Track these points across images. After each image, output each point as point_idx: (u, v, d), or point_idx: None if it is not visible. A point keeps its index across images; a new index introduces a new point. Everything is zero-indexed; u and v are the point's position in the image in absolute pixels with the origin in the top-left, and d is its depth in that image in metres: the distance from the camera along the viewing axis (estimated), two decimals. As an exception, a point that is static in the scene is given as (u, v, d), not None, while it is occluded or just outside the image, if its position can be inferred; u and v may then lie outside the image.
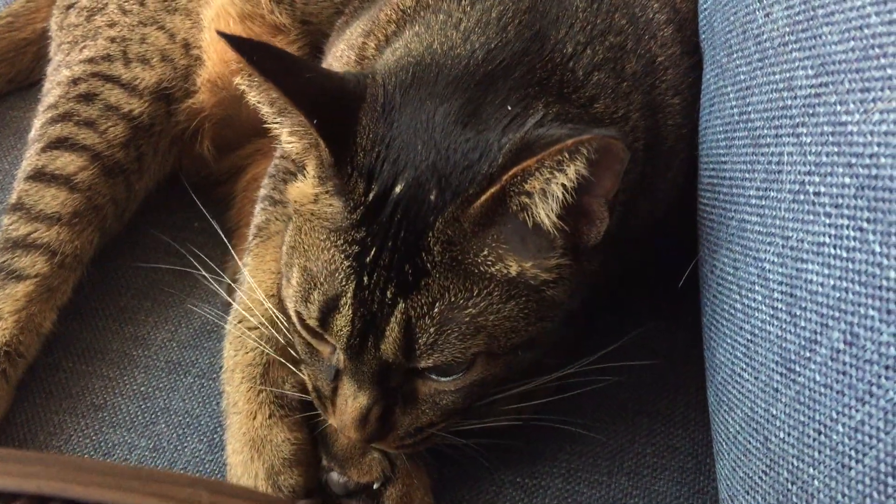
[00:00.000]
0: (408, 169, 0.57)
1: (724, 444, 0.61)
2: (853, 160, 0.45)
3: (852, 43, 0.46)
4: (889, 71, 0.43)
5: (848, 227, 0.46)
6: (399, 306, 0.56)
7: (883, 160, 0.43)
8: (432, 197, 0.56)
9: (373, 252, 0.56)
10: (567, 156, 0.52)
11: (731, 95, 0.60)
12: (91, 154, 0.84)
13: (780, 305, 0.52)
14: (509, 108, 0.58)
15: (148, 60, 0.88)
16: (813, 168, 0.49)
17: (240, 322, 0.75)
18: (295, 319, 0.62)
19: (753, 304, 0.55)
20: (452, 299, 0.56)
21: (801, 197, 0.50)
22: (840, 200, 0.46)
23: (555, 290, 0.60)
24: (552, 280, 0.59)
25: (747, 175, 0.57)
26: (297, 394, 0.70)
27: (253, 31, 0.89)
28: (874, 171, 0.44)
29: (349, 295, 0.57)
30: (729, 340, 0.60)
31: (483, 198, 0.54)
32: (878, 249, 0.43)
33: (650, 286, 0.89)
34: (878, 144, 0.43)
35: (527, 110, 0.58)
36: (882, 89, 0.43)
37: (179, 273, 0.93)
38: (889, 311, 0.43)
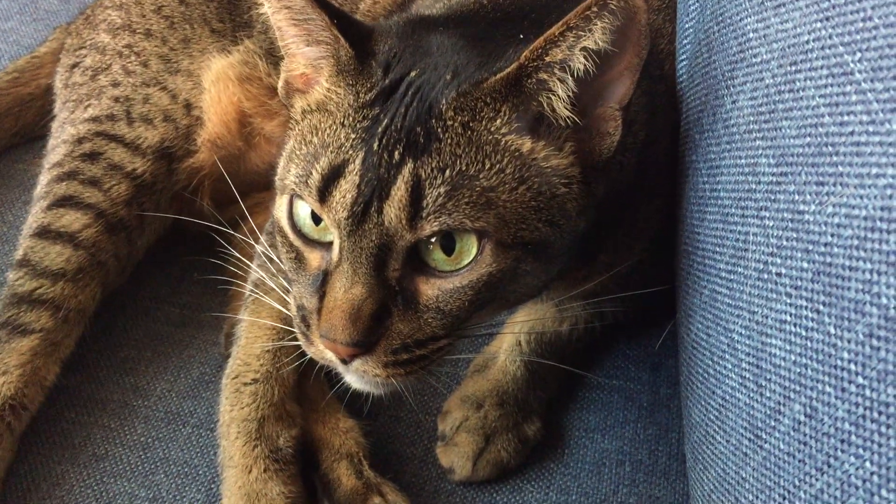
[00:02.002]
0: (424, 62, 0.60)
1: (699, 500, 0.64)
2: (810, 247, 0.49)
3: (808, 139, 0.49)
4: (840, 168, 0.47)
5: (806, 308, 0.49)
6: (408, 166, 0.56)
7: (836, 250, 0.47)
8: (448, 77, 0.59)
9: (384, 122, 0.57)
10: (595, 11, 0.53)
11: (703, 171, 0.64)
12: (95, 212, 0.87)
13: (747, 375, 0.55)
14: (521, 36, 0.61)
15: (151, 120, 0.92)
16: (775, 250, 0.52)
17: (236, 377, 0.78)
18: (287, 228, 0.62)
19: (724, 371, 0.59)
20: (464, 168, 0.56)
21: (765, 276, 0.53)
22: (799, 283, 0.50)
23: (566, 194, 0.59)
24: (565, 180, 0.59)
25: (718, 249, 0.61)
26: (292, 448, 0.73)
27: (251, 92, 0.93)
28: (828, 259, 0.47)
29: (357, 161, 0.57)
30: (703, 403, 0.63)
31: (500, 74, 0.57)
32: (832, 331, 0.47)
33: (633, 338, 0.93)
34: (832, 235, 0.47)
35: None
36: (835, 184, 0.47)
37: (178, 323, 0.97)
38: (843, 389, 0.46)
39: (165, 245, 0.99)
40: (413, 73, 0.60)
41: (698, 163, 0.65)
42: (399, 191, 0.56)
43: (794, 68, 0.51)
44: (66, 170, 0.90)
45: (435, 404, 0.87)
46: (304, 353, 0.81)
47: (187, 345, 0.93)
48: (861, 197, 0.45)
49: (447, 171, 0.56)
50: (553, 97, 0.57)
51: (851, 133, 0.46)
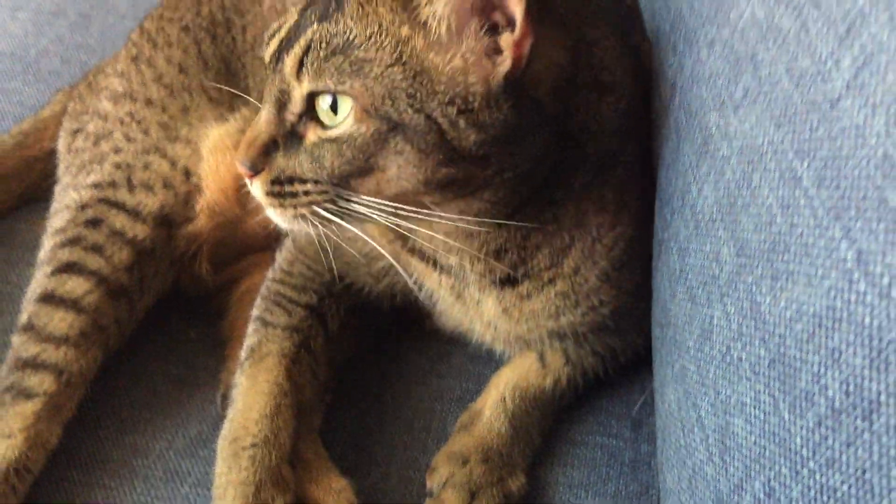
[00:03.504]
0: None
1: (673, 564, 0.67)
2: (766, 336, 0.53)
3: (764, 235, 0.53)
4: (791, 266, 0.50)
5: (764, 392, 0.53)
6: (311, 28, 0.67)
7: (788, 341, 0.50)
8: None
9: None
10: None
11: (674, 251, 0.68)
12: (97, 278, 0.90)
13: (714, 450, 0.59)
14: None
15: (151, 187, 0.96)
16: (736, 336, 0.56)
17: (234, 440, 0.81)
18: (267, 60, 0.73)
19: (693, 444, 0.62)
20: (350, 38, 0.65)
21: (728, 359, 0.57)
22: (757, 369, 0.54)
23: (449, 96, 0.65)
24: (448, 82, 0.65)
25: (687, 326, 0.64)
26: None
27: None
28: (782, 350, 0.51)
29: (290, 22, 0.70)
30: (675, 471, 0.66)
31: None
32: (787, 417, 0.51)
33: (615, 395, 0.97)
34: (785, 327, 0.51)
35: None
36: (787, 281, 0.51)
37: (175, 381, 0.99)
38: (797, 472, 0.50)
39: (163, 303, 1.03)
40: None
41: (670, 241, 0.69)
42: (296, 48, 0.67)
43: (751, 167, 0.55)
44: (70, 236, 0.93)
45: (424, 460, 0.90)
46: (299, 416, 0.85)
47: (185, 403, 0.96)
48: (809, 295, 0.49)
49: (334, 38, 0.66)
50: (428, 9, 0.65)
51: (801, 235, 0.50)
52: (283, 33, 0.71)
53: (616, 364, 0.94)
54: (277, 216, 0.73)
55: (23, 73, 1.29)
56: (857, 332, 0.45)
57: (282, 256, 0.96)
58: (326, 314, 0.93)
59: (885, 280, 0.44)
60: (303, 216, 0.72)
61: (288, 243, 0.97)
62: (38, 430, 0.85)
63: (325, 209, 0.71)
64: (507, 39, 0.64)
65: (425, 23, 0.65)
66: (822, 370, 0.48)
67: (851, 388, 0.46)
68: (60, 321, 0.89)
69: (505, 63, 0.65)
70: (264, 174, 0.71)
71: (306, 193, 0.70)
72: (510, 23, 0.65)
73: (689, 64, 0.66)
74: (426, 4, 0.65)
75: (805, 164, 0.50)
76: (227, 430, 0.83)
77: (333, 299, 0.94)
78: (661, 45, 0.76)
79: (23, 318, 0.91)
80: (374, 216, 0.70)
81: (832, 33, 0.48)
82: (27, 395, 0.86)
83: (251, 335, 0.88)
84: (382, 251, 0.80)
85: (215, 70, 1.03)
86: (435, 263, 0.86)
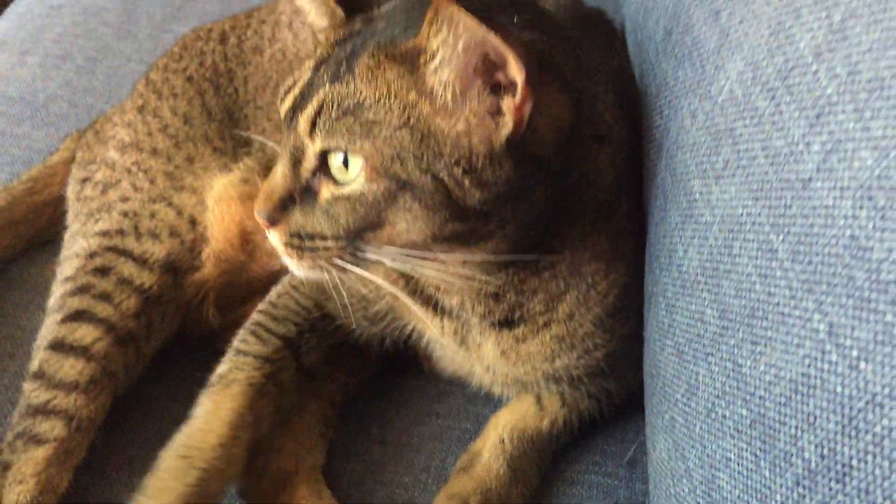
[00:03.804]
0: (389, 18, 0.74)
1: None
2: (748, 397, 0.56)
3: (744, 301, 0.56)
4: (769, 333, 0.53)
5: (746, 450, 0.56)
6: (324, 89, 0.69)
7: (768, 404, 0.53)
8: (384, 31, 0.71)
9: (334, 56, 0.72)
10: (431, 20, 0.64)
11: (662, 306, 0.71)
12: (106, 326, 0.93)
13: (701, 502, 0.62)
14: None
15: (158, 235, 0.99)
16: (720, 394, 0.59)
17: (186, 457, 0.83)
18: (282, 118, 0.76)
19: (682, 494, 0.65)
20: (360, 100, 0.68)
21: (713, 415, 0.60)
22: (740, 427, 0.56)
23: (455, 157, 0.67)
24: (454, 145, 0.68)
25: (674, 380, 0.67)
26: None
27: (252, 209, 0.98)
28: (762, 411, 0.54)
29: (304, 79, 0.73)
30: (666, 519, 0.69)
31: (402, 47, 0.68)
32: (768, 475, 0.53)
33: (611, 434, 0.99)
34: (764, 390, 0.54)
35: None
36: (766, 346, 0.54)
37: (182, 420, 1.02)
38: (778, 528, 0.53)
39: (169, 344, 1.05)
40: (379, 25, 0.73)
41: (658, 296, 0.72)
42: (310, 107, 0.70)
43: (731, 236, 0.58)
44: (79, 284, 0.96)
45: (424, 500, 0.93)
46: (252, 454, 0.89)
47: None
48: (786, 361, 0.52)
49: (346, 100, 0.68)
50: (434, 77, 0.67)
51: (777, 304, 0.53)
52: (297, 91, 0.74)
53: (611, 406, 0.97)
54: (295, 265, 0.77)
55: (31, 117, 1.31)
56: (829, 399, 0.48)
57: (274, 290, 0.99)
58: (302, 348, 0.95)
59: (854, 353, 0.47)
60: (320, 266, 0.75)
61: (285, 279, 1.00)
62: (49, 475, 0.87)
63: (344, 260, 0.74)
64: (508, 103, 0.67)
65: (431, 89, 0.68)
66: (799, 433, 0.51)
67: (826, 451, 0.49)
68: (70, 368, 0.91)
69: (507, 126, 0.68)
70: (282, 226, 0.74)
71: (326, 249, 0.74)
72: (512, 84, 0.67)
73: (674, 130, 0.69)
74: (432, 73, 0.67)
75: (780, 239, 0.53)
76: (178, 443, 0.85)
77: (315, 335, 0.96)
78: (648, 104, 0.79)
79: (34, 364, 0.94)
80: (387, 262, 0.74)
81: (803, 118, 0.51)
82: (38, 441, 0.88)
83: (223, 362, 0.91)
84: (395, 290, 0.83)
85: (219, 120, 1.07)
86: (436, 306, 0.89)
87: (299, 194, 0.73)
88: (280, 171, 0.74)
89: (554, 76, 0.72)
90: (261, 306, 0.97)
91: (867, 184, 0.46)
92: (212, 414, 0.87)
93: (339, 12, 0.78)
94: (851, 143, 0.47)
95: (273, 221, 0.74)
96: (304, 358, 0.96)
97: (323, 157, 0.71)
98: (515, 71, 0.65)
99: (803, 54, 0.51)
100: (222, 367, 0.91)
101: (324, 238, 0.73)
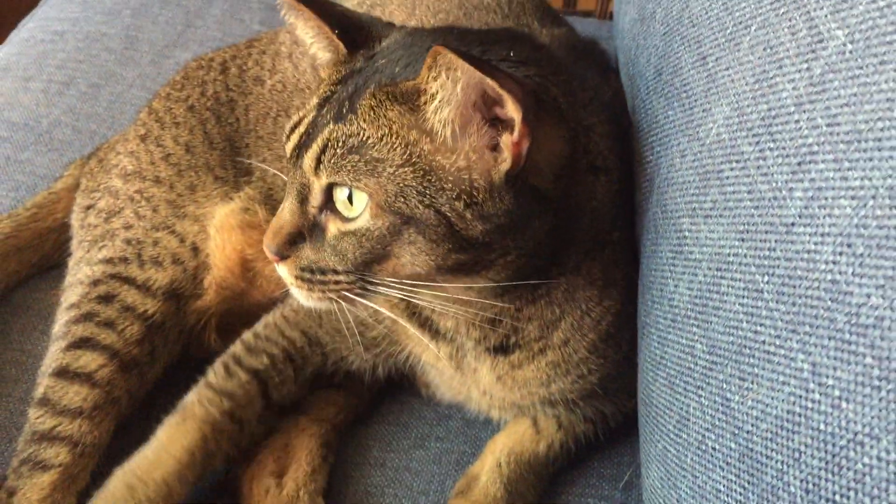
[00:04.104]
0: (390, 55, 0.76)
1: None
2: (736, 430, 0.58)
3: (732, 338, 0.58)
4: (756, 370, 0.55)
5: (735, 483, 0.58)
6: (328, 128, 0.71)
7: (755, 438, 0.55)
8: (385, 69, 0.73)
9: (336, 94, 0.74)
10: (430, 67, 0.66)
11: (654, 337, 0.73)
12: (110, 353, 0.95)
13: (692, 531, 0.63)
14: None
15: (160, 262, 1.01)
16: (710, 426, 0.61)
17: (131, 486, 0.86)
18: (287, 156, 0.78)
19: (674, 523, 0.67)
20: (364, 139, 0.70)
21: (703, 447, 0.62)
22: (729, 460, 0.58)
23: (455, 192, 0.69)
24: (454, 180, 0.69)
25: (666, 411, 0.69)
26: None
27: (253, 238, 1.02)
28: (750, 445, 0.56)
29: (308, 118, 0.75)
30: (658, 546, 0.71)
31: (402, 85, 0.70)
32: (755, 507, 0.55)
33: (606, 457, 1.01)
34: (752, 425, 0.56)
35: None
36: (753, 382, 0.56)
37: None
38: (765, 560, 0.54)
39: (171, 366, 1.07)
40: (380, 62, 0.75)
41: (651, 327, 0.74)
42: (315, 145, 0.72)
43: (719, 274, 0.60)
44: (83, 311, 0.98)
45: (423, 524, 0.95)
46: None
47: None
48: (772, 398, 0.54)
49: (349, 139, 0.70)
50: (434, 116, 0.69)
51: (764, 342, 0.55)
52: (301, 129, 0.76)
53: (606, 429, 0.98)
54: (304, 297, 0.79)
55: (35, 143, 1.33)
56: (814, 436, 0.50)
57: (263, 319, 1.01)
58: (271, 382, 0.97)
59: (837, 392, 0.49)
60: (329, 298, 0.77)
61: (277, 310, 1.01)
62: (53, 500, 0.89)
63: (353, 292, 0.76)
64: (506, 140, 0.69)
65: (431, 128, 0.70)
66: (785, 468, 0.52)
67: (811, 486, 0.51)
68: (75, 395, 0.93)
69: (505, 162, 0.70)
70: (291, 260, 0.76)
71: (337, 283, 0.76)
72: (510, 121, 0.68)
73: (665, 167, 0.71)
74: (431, 112, 0.69)
75: (766, 280, 0.55)
76: (128, 468, 0.88)
77: (291, 366, 0.98)
78: (640, 139, 0.81)
79: (39, 391, 0.95)
80: (393, 293, 0.76)
81: (786, 164, 0.53)
82: (43, 467, 0.90)
83: (191, 390, 0.93)
84: (394, 315, 0.85)
85: (220, 149, 1.09)
86: (432, 329, 0.91)
87: (308, 230, 0.75)
88: (287, 208, 0.76)
89: (550, 111, 0.74)
90: (245, 335, 0.99)
91: (847, 231, 0.48)
92: (164, 447, 0.89)
93: (342, 48, 0.80)
94: (831, 192, 0.49)
95: (282, 256, 0.76)
96: (273, 392, 0.97)
97: (328, 193, 0.73)
98: (513, 110, 0.67)
99: (786, 104, 0.54)
100: (188, 396, 0.94)
101: (335, 272, 0.75)
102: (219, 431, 0.92)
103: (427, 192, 0.70)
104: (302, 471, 0.97)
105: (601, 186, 0.80)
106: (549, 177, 0.74)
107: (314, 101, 0.77)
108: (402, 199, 0.70)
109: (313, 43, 0.83)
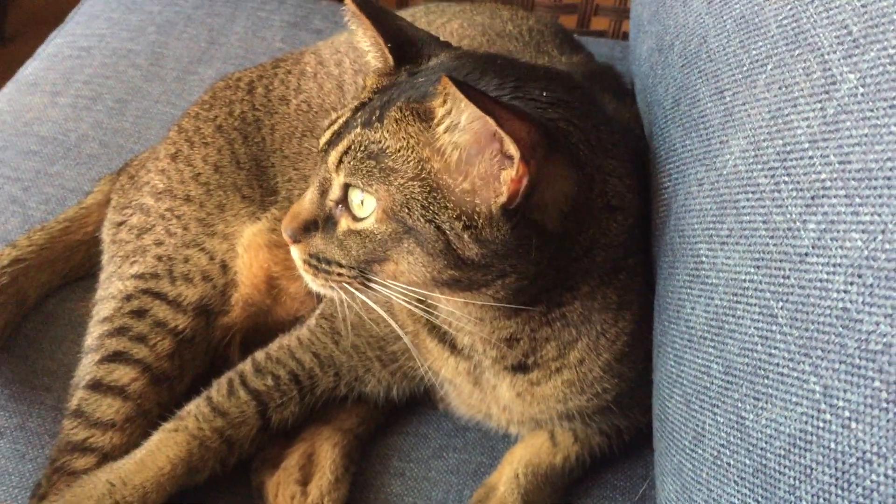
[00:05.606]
0: (427, 73, 0.80)
1: None
2: (750, 447, 0.61)
3: (747, 359, 0.62)
4: (771, 390, 0.59)
5: (749, 497, 0.61)
6: (356, 131, 0.75)
7: (769, 455, 0.58)
8: (430, 88, 0.75)
9: (371, 102, 0.78)
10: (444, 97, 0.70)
11: (671, 356, 0.76)
12: (142, 366, 0.98)
13: (707, 542, 0.66)
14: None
15: (191, 279, 1.04)
16: (725, 443, 0.64)
17: (111, 486, 0.89)
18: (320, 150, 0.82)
19: (690, 535, 0.70)
20: (383, 147, 0.73)
21: (718, 463, 0.65)
22: (743, 475, 0.61)
23: (458, 213, 0.72)
24: (457, 201, 0.72)
25: (682, 427, 0.72)
26: None
27: (279, 257, 1.05)
28: (763, 461, 0.59)
29: (342, 119, 0.79)
30: (674, 556, 0.74)
31: (425, 104, 0.74)
32: (769, 521, 0.58)
33: (620, 469, 1.04)
34: (766, 442, 0.59)
35: None
36: (767, 402, 0.59)
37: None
38: (779, 571, 0.57)
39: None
40: (420, 79, 0.79)
41: (667, 346, 0.77)
42: (340, 145, 0.76)
43: (735, 299, 0.63)
44: (116, 326, 1.01)
45: (441, 534, 0.98)
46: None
47: (217, 479, 1.03)
48: (785, 417, 0.57)
49: (371, 144, 0.74)
50: (444, 138, 0.72)
51: (777, 364, 0.58)
52: (335, 127, 0.80)
53: (621, 442, 1.01)
54: (311, 281, 0.84)
55: (64, 157, 1.36)
56: (825, 454, 0.54)
57: (278, 339, 1.03)
58: (271, 404, 0.99)
59: (847, 413, 0.52)
60: (331, 286, 0.82)
61: (294, 331, 1.04)
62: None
63: (353, 286, 0.81)
64: (506, 175, 0.71)
65: (441, 149, 0.73)
66: (797, 483, 0.56)
67: (821, 501, 0.54)
68: (108, 408, 0.96)
69: (501, 196, 0.72)
70: (303, 245, 0.81)
71: (339, 274, 0.80)
72: (512, 157, 0.71)
73: (682, 194, 0.75)
74: (443, 133, 0.72)
75: (780, 306, 0.58)
76: (117, 465, 0.91)
77: (297, 387, 1.00)
78: (657, 166, 0.84)
79: (73, 402, 0.99)
80: (393, 296, 0.80)
81: (800, 198, 0.56)
82: (75, 476, 0.93)
83: (192, 401, 0.96)
84: (399, 330, 0.88)
85: (247, 169, 1.12)
86: (451, 345, 0.94)
87: (322, 221, 0.80)
88: (309, 197, 0.81)
89: (565, 154, 0.76)
90: (257, 353, 1.02)
91: (857, 263, 0.51)
92: (151, 454, 0.92)
93: (390, 60, 0.84)
94: (843, 225, 0.53)
95: (296, 239, 0.81)
96: (272, 414, 0.99)
97: (346, 190, 0.78)
98: (512, 150, 0.69)
99: (800, 140, 0.57)
100: (187, 406, 0.97)
101: (339, 265, 0.80)
102: (206, 448, 0.94)
103: (431, 207, 0.73)
104: (326, 479, 1.00)
105: (616, 223, 0.82)
106: (553, 215, 0.76)
107: (353, 103, 0.82)
108: (407, 210, 0.74)
109: (369, 51, 0.88)
